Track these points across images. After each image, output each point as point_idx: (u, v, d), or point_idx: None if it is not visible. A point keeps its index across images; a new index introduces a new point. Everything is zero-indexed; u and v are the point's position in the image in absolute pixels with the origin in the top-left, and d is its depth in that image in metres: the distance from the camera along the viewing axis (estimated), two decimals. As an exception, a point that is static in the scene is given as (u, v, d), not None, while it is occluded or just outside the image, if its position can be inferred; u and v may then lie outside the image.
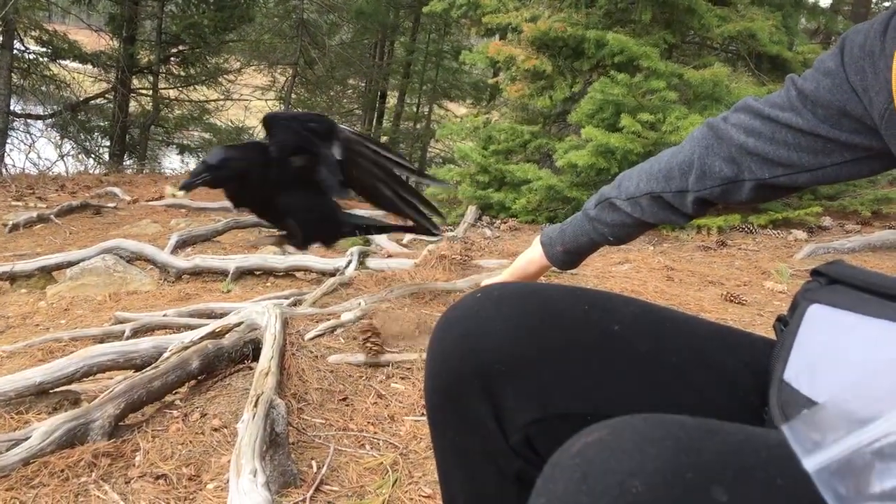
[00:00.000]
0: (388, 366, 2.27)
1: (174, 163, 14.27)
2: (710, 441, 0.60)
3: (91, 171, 10.86)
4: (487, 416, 0.91)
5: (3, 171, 9.87)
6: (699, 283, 3.83)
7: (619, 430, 0.62)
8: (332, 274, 4.12)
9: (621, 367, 0.91)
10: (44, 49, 12.09)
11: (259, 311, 2.28)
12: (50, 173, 9.79)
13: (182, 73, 13.58)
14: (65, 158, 12.54)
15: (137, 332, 3.19)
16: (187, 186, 2.37)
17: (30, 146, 12.23)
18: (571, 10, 5.74)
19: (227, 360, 2.16)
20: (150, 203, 6.87)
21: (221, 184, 2.41)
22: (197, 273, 4.30)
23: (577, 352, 0.90)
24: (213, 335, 2.20)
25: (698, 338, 0.96)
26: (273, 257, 4.34)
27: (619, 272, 3.90)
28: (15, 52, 11.26)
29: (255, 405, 1.68)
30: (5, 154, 11.15)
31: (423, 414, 2.08)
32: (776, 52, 5.64)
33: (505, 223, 5.33)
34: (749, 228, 5.10)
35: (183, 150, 14.01)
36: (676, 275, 3.91)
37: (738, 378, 0.94)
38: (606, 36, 5.24)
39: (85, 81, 13.10)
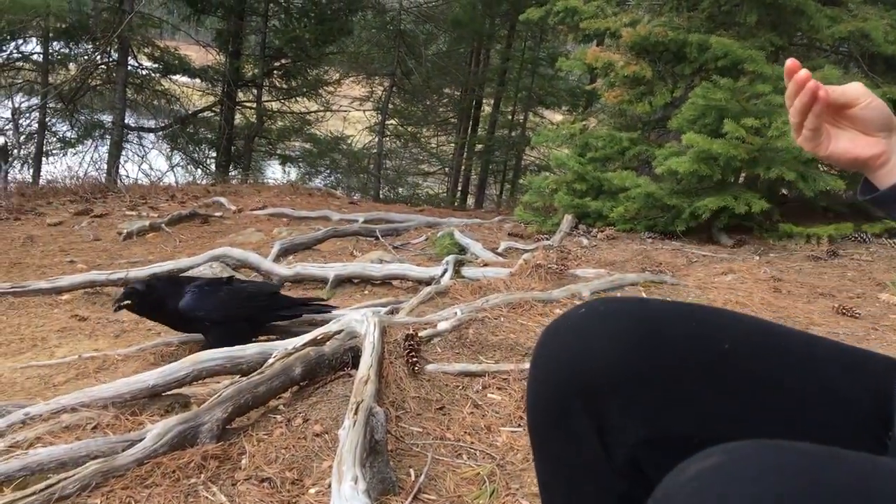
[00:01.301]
0: (485, 376, 2.26)
1: (277, 173, 14.74)
2: (834, 470, 0.57)
3: (199, 182, 11.32)
4: (591, 435, 0.90)
5: (119, 181, 10.41)
6: (808, 295, 3.67)
7: (738, 455, 0.60)
8: (429, 282, 4.16)
9: (732, 387, 0.87)
10: (155, 65, 12.70)
11: (358, 320, 2.32)
12: (161, 184, 10.25)
13: (284, 86, 14.01)
14: (174, 169, 13.13)
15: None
16: (115, 309, 3.32)
17: (142, 157, 12.86)
18: (672, 13, 5.62)
19: (328, 367, 2.20)
20: (254, 212, 7.10)
21: (142, 311, 3.34)
22: (298, 280, 4.41)
23: (685, 371, 0.88)
24: (315, 342, 2.25)
25: (814, 358, 0.92)
26: (371, 265, 4.42)
27: (723, 283, 3.78)
28: (129, 68, 11.87)
29: (356, 412, 1.71)
30: (120, 165, 11.76)
31: (519, 425, 2.06)
32: (892, 53, 5.36)
33: (602, 232, 5.25)
34: (862, 237, 4.86)
35: (285, 160, 14.45)
36: (784, 286, 3.76)
37: (857, 401, 0.89)
38: (709, 40, 5.10)
39: (193, 95, 13.69)
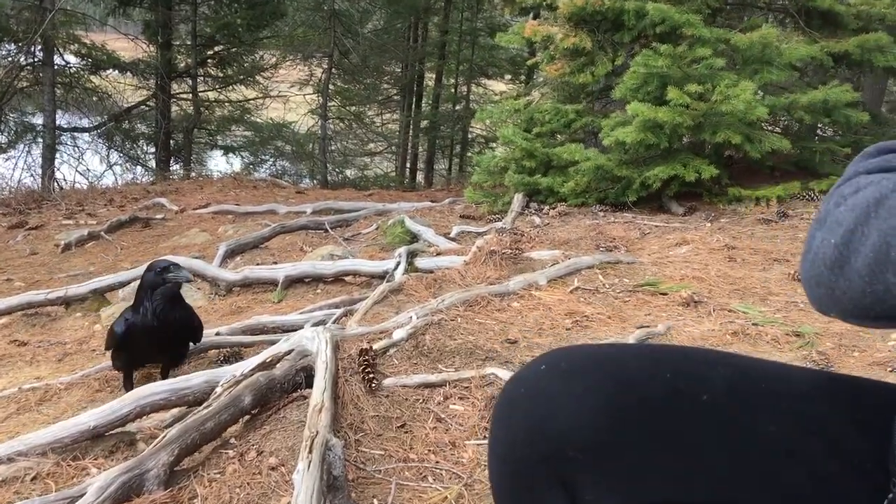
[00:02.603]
0: (445, 385, 2.18)
1: (220, 164, 14.38)
2: None
3: (139, 180, 11.00)
4: (562, 506, 0.81)
5: (55, 186, 10.03)
6: (763, 262, 3.65)
7: None
8: (382, 276, 4.06)
9: (716, 443, 0.80)
10: (83, 62, 12.23)
11: (309, 337, 2.21)
12: (99, 186, 9.92)
13: (220, 75, 13.63)
14: (113, 168, 12.72)
15: (191, 353, 3.17)
16: None
17: (78, 159, 12.42)
18: (608, -19, 5.52)
19: (280, 391, 2.10)
20: (198, 211, 6.89)
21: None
22: (247, 284, 4.27)
23: (663, 430, 0.79)
24: (264, 366, 2.14)
25: (795, 396, 0.84)
26: (322, 263, 4.30)
27: (678, 255, 3.74)
28: (56, 66, 11.40)
29: (310, 450, 1.61)
30: (56, 168, 11.34)
31: (485, 437, 1.99)
32: (828, 7, 5.35)
33: (553, 209, 5.19)
34: (810, 195, 4.88)
35: (227, 150, 14.10)
36: (738, 254, 3.74)
37: (845, 440, 0.82)
38: (646, 6, 5.02)
39: (126, 90, 13.25)
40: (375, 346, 2.30)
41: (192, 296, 4.26)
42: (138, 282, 4.11)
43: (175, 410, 2.31)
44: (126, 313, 2.89)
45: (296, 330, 2.95)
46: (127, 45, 13.03)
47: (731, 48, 4.99)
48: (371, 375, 2.13)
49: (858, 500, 0.80)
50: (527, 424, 0.81)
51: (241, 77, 13.64)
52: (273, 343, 2.49)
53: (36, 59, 11.43)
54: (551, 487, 0.80)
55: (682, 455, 0.79)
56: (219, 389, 2.06)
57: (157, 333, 2.80)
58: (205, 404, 1.97)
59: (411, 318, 2.55)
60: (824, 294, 0.74)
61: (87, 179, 11.93)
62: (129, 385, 2.87)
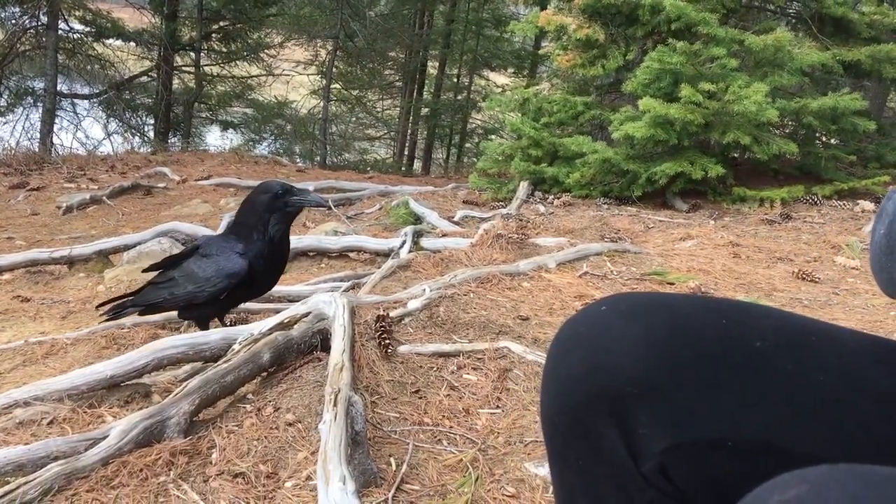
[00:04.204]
0: (459, 356, 2.20)
1: (217, 139, 14.34)
2: None
3: (137, 150, 10.95)
4: (617, 442, 0.84)
5: (53, 151, 9.98)
6: (767, 260, 3.69)
7: (822, 486, 0.54)
8: (387, 254, 4.08)
9: (766, 388, 0.82)
10: (88, 28, 12.16)
11: (326, 301, 2.23)
12: (99, 153, 9.88)
13: (224, 50, 13.59)
14: (111, 137, 12.66)
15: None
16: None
17: (76, 126, 12.36)
18: (624, -25, 5.54)
19: (297, 352, 2.12)
20: (200, 182, 6.89)
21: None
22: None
23: (716, 372, 0.82)
24: (282, 326, 2.16)
25: (848, 352, 0.87)
26: (327, 238, 4.31)
27: (683, 249, 3.78)
28: (60, 32, 11.34)
29: (335, 404, 1.63)
30: (54, 134, 11.28)
31: (498, 407, 2.02)
32: (841, 14, 5.40)
33: (558, 198, 5.22)
34: (814, 200, 4.92)
35: (226, 126, 14.06)
36: (743, 251, 3.78)
37: (892, 399, 0.85)
38: (664, 2, 5.05)
39: (129, 60, 13.18)
40: (391, 314, 2.32)
41: (197, 263, 4.27)
42: (149, 242, 4.15)
43: (188, 367, 2.32)
44: (224, 249, 2.47)
45: (301, 300, 2.96)
46: (132, 15, 12.96)
47: (745, 49, 5.02)
48: (387, 341, 2.15)
49: None
50: (587, 360, 0.84)
51: (245, 54, 13.60)
52: (279, 312, 2.42)
53: (40, 23, 11.36)
54: (607, 422, 0.83)
55: (733, 397, 0.82)
56: (236, 346, 2.08)
57: (273, 265, 2.52)
58: (224, 358, 1.99)
59: (425, 290, 2.57)
60: (885, 279, 0.80)
61: (85, 147, 11.87)
62: None
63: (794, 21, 6.11)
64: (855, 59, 5.24)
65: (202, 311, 2.56)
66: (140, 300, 2.64)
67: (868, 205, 4.84)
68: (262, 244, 2.44)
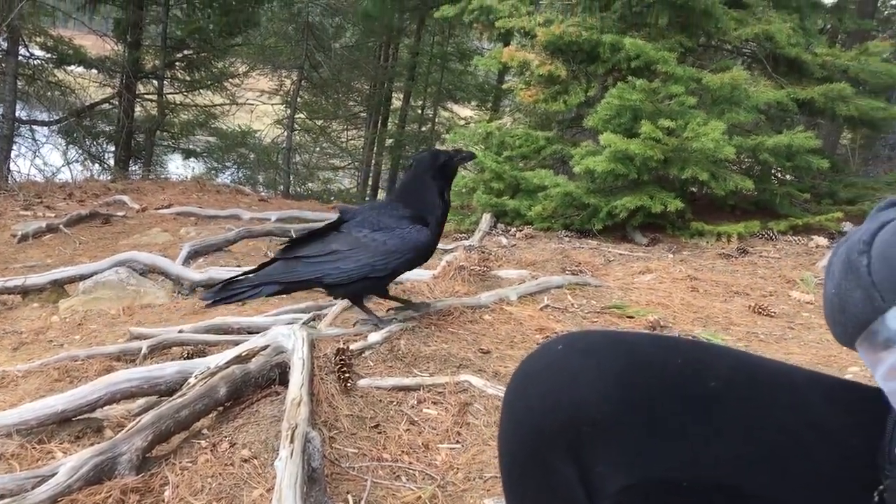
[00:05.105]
0: (420, 390, 2.19)
1: (180, 168, 14.20)
2: None
3: (97, 178, 10.80)
4: (573, 480, 0.84)
5: (10, 178, 9.80)
6: (724, 294, 3.75)
7: None
8: (349, 285, 4.05)
9: (721, 428, 0.83)
10: (49, 55, 12.01)
11: (285, 334, 2.21)
12: (57, 180, 9.73)
13: (187, 78, 13.49)
14: (70, 165, 12.47)
15: (154, 350, 3.12)
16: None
17: (35, 152, 12.15)
18: (586, 14, 5.66)
19: (254, 386, 2.09)
20: (160, 211, 6.81)
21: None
22: (211, 285, 4.22)
23: (673, 411, 0.83)
24: (240, 359, 2.13)
25: (800, 391, 0.88)
26: (288, 269, 4.27)
27: (643, 283, 3.82)
28: (20, 57, 11.18)
29: (292, 440, 1.61)
30: (11, 160, 11.08)
31: (458, 441, 2.01)
32: (794, 55, 5.56)
33: (520, 231, 5.25)
34: (769, 235, 5.02)
35: (189, 154, 13.93)
36: (700, 285, 3.83)
37: (840, 434, 0.87)
38: (623, 40, 5.16)
39: (90, 87, 13.03)
40: (352, 347, 2.30)
41: (155, 293, 4.21)
42: (106, 272, 4.05)
43: (142, 401, 2.28)
44: (402, 220, 2.39)
45: (261, 332, 2.93)
46: (94, 42, 12.83)
47: (702, 87, 5.14)
48: (346, 375, 2.13)
49: (851, 491, 0.84)
50: (546, 395, 0.84)
51: (209, 82, 13.52)
52: (238, 344, 2.37)
53: (0, 49, 11.20)
54: (564, 460, 0.83)
55: (688, 437, 0.83)
56: (192, 380, 2.04)
57: (441, 231, 2.49)
58: (179, 393, 1.95)
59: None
60: (840, 331, 0.81)
61: (43, 174, 11.67)
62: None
63: (749, 60, 6.27)
64: (809, 98, 5.39)
65: (369, 287, 2.47)
66: (281, 277, 2.40)
67: (822, 240, 4.95)
68: (441, 210, 2.43)
